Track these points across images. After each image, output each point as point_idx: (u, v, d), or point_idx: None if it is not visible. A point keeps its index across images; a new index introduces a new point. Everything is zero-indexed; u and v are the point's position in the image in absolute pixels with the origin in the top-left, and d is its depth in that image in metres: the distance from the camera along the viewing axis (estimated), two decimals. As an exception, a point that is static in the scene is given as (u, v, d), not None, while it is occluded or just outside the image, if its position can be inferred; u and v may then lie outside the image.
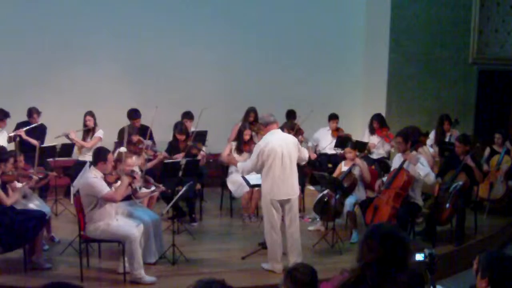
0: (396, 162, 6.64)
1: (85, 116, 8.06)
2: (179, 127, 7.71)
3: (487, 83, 10.60)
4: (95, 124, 8.06)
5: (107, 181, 5.52)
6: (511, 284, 2.94)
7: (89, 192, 5.33)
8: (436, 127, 8.70)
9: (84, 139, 8.05)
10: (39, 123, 7.90)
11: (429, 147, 8.29)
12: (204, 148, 7.94)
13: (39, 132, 7.88)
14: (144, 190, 6.22)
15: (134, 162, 6.44)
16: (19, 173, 5.86)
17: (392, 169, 6.71)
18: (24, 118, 7.92)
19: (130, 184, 5.72)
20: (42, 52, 9.11)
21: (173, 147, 7.65)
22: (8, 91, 8.76)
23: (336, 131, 9.12)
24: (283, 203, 5.68)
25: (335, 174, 7.26)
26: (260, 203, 7.81)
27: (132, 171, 5.86)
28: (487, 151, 8.40)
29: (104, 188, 5.30)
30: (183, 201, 7.46)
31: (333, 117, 9.12)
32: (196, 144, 7.82)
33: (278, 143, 5.58)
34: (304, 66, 10.43)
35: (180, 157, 7.30)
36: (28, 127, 7.76)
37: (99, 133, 8.06)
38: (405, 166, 6.39)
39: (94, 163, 5.52)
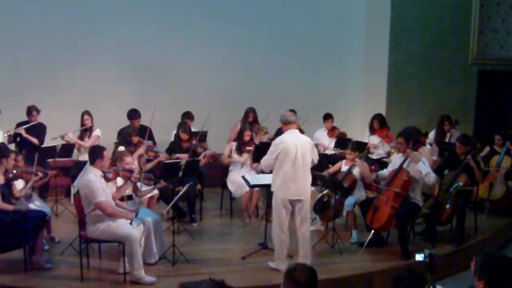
0: (395, 162, 6.64)
1: (82, 115, 8.05)
2: (184, 127, 7.71)
3: (487, 83, 10.60)
4: (92, 123, 8.06)
5: (107, 178, 5.51)
6: (508, 285, 2.93)
7: (87, 194, 5.32)
8: (436, 127, 8.71)
9: (81, 138, 8.05)
10: (39, 121, 7.90)
11: (428, 145, 8.31)
12: (209, 147, 7.95)
13: (39, 131, 7.88)
14: (145, 188, 6.21)
15: (132, 162, 6.45)
16: (23, 170, 5.85)
17: (390, 167, 6.71)
18: (25, 118, 7.91)
19: (129, 179, 5.71)
20: (43, 53, 9.12)
21: (175, 147, 7.65)
22: (9, 91, 8.77)
23: (331, 130, 9.12)
24: (293, 203, 5.67)
25: (332, 170, 7.27)
26: (260, 204, 7.85)
27: (130, 170, 5.85)
28: (487, 150, 8.41)
29: (100, 195, 5.25)
30: (183, 202, 7.46)
31: (328, 117, 9.12)
32: (201, 143, 7.83)
33: (293, 142, 5.57)
34: (304, 66, 10.43)
35: (184, 157, 7.30)
36: (27, 125, 7.76)
37: (96, 132, 8.06)
38: (405, 166, 6.39)
39: (92, 161, 5.51)
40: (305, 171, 5.66)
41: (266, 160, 5.77)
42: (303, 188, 5.68)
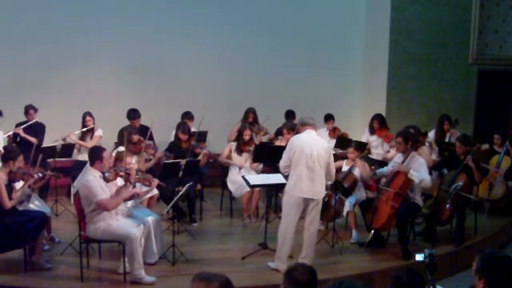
0: (395, 162, 6.63)
1: (84, 116, 8.08)
2: (182, 127, 7.71)
3: (487, 83, 10.60)
4: (94, 124, 8.09)
5: (107, 179, 5.52)
6: (508, 284, 2.93)
7: (86, 194, 5.33)
8: (436, 127, 8.70)
9: (83, 139, 8.06)
10: (37, 120, 7.90)
11: (427, 143, 8.30)
12: (206, 147, 7.95)
13: (38, 130, 7.88)
14: (144, 188, 6.20)
15: (132, 162, 6.44)
16: (24, 172, 5.86)
17: (390, 166, 6.69)
18: (25, 118, 7.92)
19: (128, 181, 5.71)
20: (43, 52, 9.10)
21: (175, 147, 7.65)
22: (9, 91, 8.76)
23: (333, 131, 9.12)
24: (306, 202, 5.64)
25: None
26: (260, 204, 7.85)
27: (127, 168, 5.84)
28: (486, 146, 8.42)
29: (100, 194, 5.26)
30: (183, 202, 7.46)
31: (329, 118, 9.12)
32: (200, 144, 7.82)
33: (309, 142, 5.59)
34: (304, 66, 10.43)
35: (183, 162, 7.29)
36: (25, 125, 7.77)
37: (98, 132, 8.11)
38: (404, 165, 6.38)
39: (91, 163, 5.52)
40: (320, 172, 5.63)
41: (282, 160, 5.74)
42: (318, 188, 5.65)
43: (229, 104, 9.71)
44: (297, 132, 6.21)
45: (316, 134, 5.85)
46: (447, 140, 8.50)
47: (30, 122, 7.82)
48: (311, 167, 5.55)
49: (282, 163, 5.77)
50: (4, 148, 6.28)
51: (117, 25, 9.40)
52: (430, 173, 6.68)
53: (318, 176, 5.61)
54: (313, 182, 5.59)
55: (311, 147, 5.56)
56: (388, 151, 8.68)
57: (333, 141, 8.98)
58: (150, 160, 7.50)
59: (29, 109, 7.84)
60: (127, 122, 8.03)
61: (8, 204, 5.47)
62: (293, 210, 5.63)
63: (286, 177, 5.91)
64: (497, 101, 10.69)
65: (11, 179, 5.67)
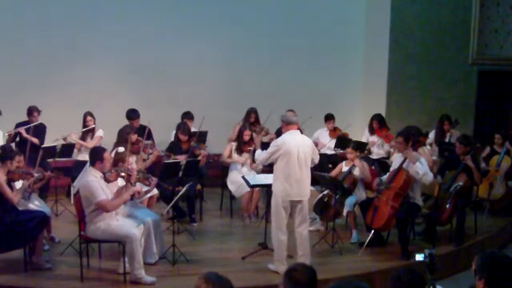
0: (396, 162, 6.64)
1: (85, 116, 8.09)
2: (183, 127, 7.70)
3: (487, 83, 10.59)
4: (94, 124, 8.09)
5: (107, 179, 5.52)
6: (508, 284, 2.93)
7: (87, 195, 5.33)
8: (436, 127, 8.71)
9: (83, 139, 8.07)
10: (39, 122, 7.90)
11: (428, 145, 8.30)
12: (205, 148, 7.94)
13: (39, 131, 7.88)
14: (144, 188, 6.20)
15: (132, 162, 6.43)
16: (23, 171, 5.86)
17: (391, 169, 6.71)
18: (25, 118, 7.91)
19: (129, 181, 5.70)
20: (43, 53, 9.10)
21: (175, 147, 7.65)
22: (9, 91, 8.76)
23: (333, 131, 9.12)
24: (294, 204, 5.67)
25: (334, 173, 7.26)
26: (260, 204, 7.85)
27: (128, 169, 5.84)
28: (487, 150, 8.41)
29: (100, 194, 5.26)
30: (183, 202, 7.46)
31: (329, 118, 9.12)
32: (199, 144, 7.82)
33: (295, 143, 5.57)
34: (304, 66, 10.42)
35: (182, 159, 7.29)
36: (28, 126, 7.76)
37: (99, 132, 8.12)
38: (404, 166, 6.39)
39: (92, 163, 5.52)
40: (307, 172, 5.67)
41: (262, 158, 5.84)
42: (305, 189, 5.69)
43: (229, 104, 9.70)
44: (281, 131, 6.19)
45: (312, 133, 5.88)
46: (447, 140, 8.50)
47: (33, 124, 7.80)
48: (298, 169, 5.57)
49: (259, 158, 5.87)
50: (1, 147, 6.26)
51: (117, 25, 9.40)
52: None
53: (305, 177, 5.64)
54: (301, 184, 5.62)
55: (297, 148, 5.57)
56: (389, 151, 8.68)
57: (333, 141, 8.98)
58: (148, 159, 7.49)
59: (33, 111, 7.83)
60: (126, 122, 8.03)
61: (14, 198, 5.49)
62: (282, 212, 5.65)
63: None
64: (497, 101, 10.69)
65: (10, 179, 5.67)
